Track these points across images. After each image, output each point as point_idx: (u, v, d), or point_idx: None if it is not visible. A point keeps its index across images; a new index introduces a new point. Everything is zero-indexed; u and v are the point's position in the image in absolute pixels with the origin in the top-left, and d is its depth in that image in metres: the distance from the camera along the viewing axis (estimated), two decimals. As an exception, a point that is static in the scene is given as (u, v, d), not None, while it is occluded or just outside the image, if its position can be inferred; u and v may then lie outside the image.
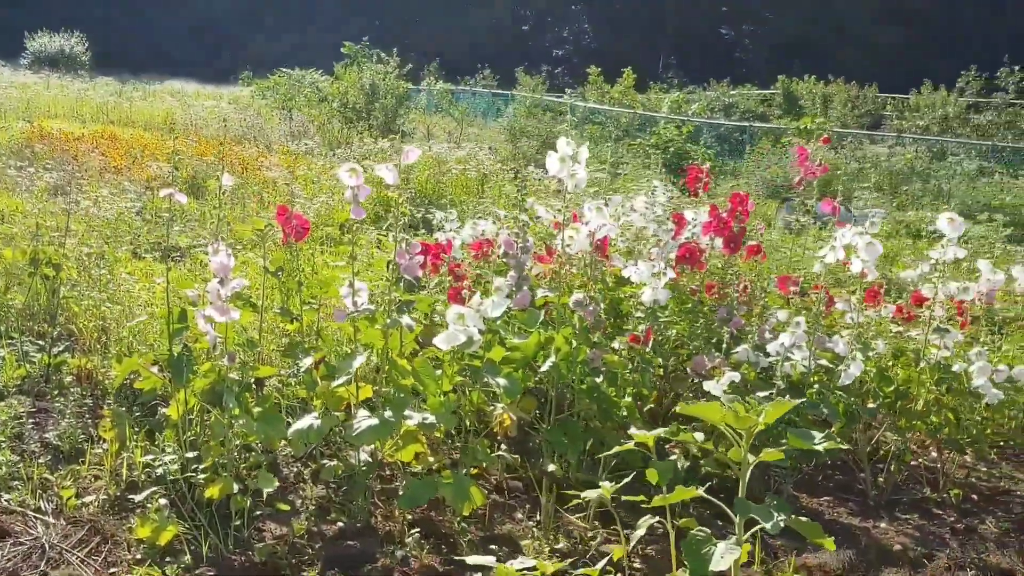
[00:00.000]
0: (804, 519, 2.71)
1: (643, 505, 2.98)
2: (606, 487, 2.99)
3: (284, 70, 27.38)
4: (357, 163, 3.38)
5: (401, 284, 3.91)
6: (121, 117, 20.63)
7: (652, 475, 2.87)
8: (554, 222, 4.32)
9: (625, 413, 3.48)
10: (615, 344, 3.77)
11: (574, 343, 3.45)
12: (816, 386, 3.93)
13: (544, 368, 3.30)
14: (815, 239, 8.30)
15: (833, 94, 27.80)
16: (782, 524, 2.57)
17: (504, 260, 3.97)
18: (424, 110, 29.00)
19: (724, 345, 4.20)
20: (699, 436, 2.82)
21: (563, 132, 22.39)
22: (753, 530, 2.79)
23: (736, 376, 3.80)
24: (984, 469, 4.58)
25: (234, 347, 3.53)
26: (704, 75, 32.74)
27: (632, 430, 2.83)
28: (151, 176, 10.37)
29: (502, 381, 3.24)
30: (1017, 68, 25.80)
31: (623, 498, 3.19)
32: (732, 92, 29.46)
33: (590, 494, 3.06)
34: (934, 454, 4.45)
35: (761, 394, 3.84)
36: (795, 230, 9.32)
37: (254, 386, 3.79)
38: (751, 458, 2.76)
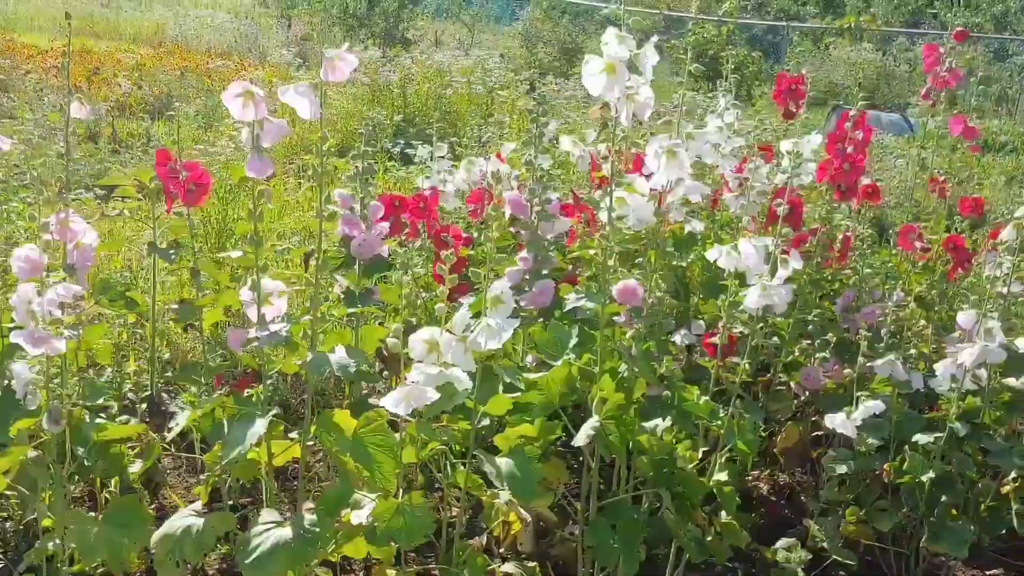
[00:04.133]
0: None
1: None
2: None
3: (285, -27, 25.69)
4: (254, 84, 1.94)
5: (356, 268, 2.52)
6: (108, 29, 18.99)
7: None
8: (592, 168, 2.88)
9: (715, 494, 2.08)
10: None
11: (627, 377, 2.05)
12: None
13: (580, 439, 1.90)
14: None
15: (877, -11, 25.57)
16: None
17: (512, 230, 2.56)
18: (433, 15, 27.22)
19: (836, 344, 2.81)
20: None
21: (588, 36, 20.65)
22: None
23: (879, 406, 2.41)
24: None
25: (70, 392, 2.13)
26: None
27: None
28: (106, 96, 8.91)
29: (506, 465, 1.85)
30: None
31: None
32: (764, -11, 27.29)
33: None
34: None
35: (922, 439, 2.45)
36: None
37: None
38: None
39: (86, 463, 2.23)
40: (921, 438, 2.42)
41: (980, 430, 2.45)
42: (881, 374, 2.56)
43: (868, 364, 2.57)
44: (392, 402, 1.75)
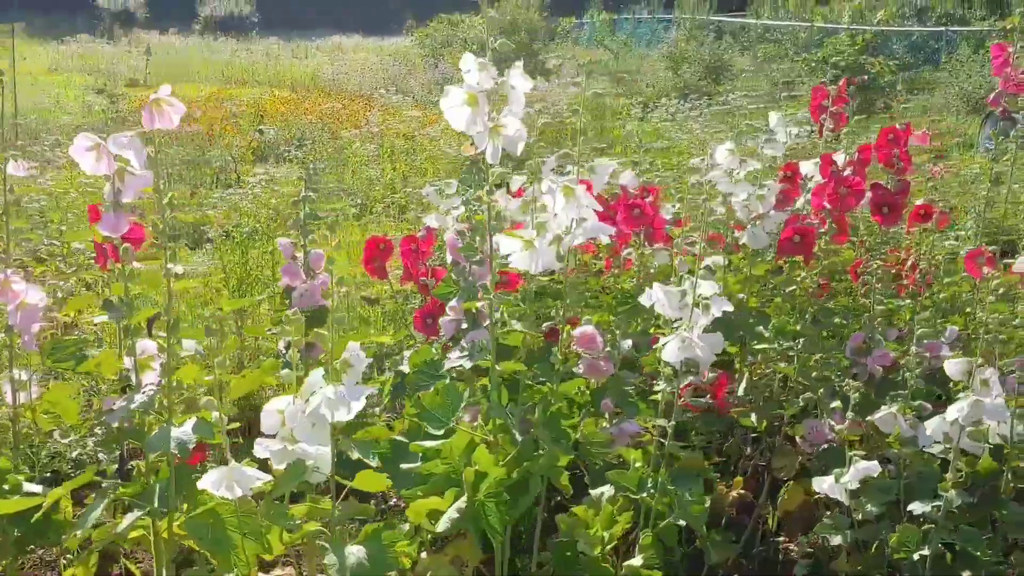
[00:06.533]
0: None
1: None
2: None
3: (443, 15, 26.17)
4: (97, 135, 1.80)
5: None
6: (268, 77, 19.75)
7: None
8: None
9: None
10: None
11: (542, 446, 1.78)
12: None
13: (442, 524, 1.66)
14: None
15: (1049, -15, 23.87)
16: None
17: (455, 275, 2.35)
18: (586, 44, 27.17)
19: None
20: None
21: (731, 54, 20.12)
22: None
23: (873, 467, 2.07)
24: None
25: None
26: (895, -23, 28.88)
27: None
28: (229, 144, 9.17)
29: (355, 555, 1.62)
30: None
31: None
32: (926, -7, 25.94)
33: None
34: None
35: (918, 508, 2.08)
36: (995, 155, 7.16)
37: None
38: None
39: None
40: (917, 507, 2.04)
41: (994, 497, 2.06)
42: (883, 428, 2.20)
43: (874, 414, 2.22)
44: (210, 483, 1.56)
